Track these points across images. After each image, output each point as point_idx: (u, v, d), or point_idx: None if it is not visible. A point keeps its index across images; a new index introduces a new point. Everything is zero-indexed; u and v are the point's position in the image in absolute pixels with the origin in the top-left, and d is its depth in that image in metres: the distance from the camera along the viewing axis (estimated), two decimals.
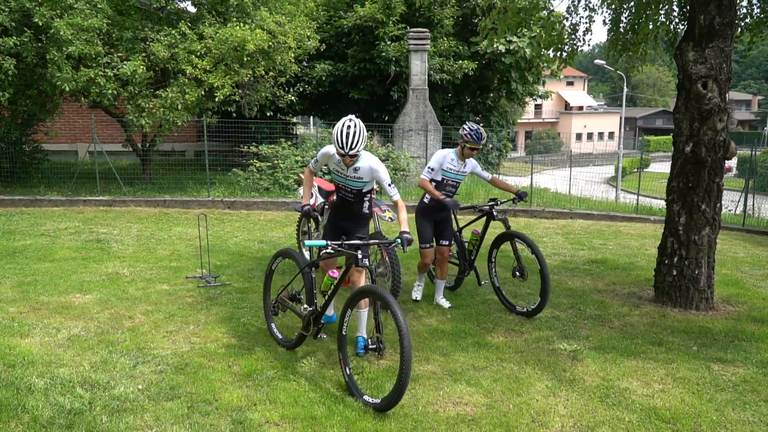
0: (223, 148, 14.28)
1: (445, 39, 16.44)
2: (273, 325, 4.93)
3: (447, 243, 5.89)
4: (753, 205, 13.14)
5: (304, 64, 14.71)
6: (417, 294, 6.12)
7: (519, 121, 37.96)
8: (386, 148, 13.28)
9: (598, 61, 38.68)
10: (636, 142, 61.59)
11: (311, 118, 17.66)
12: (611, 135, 63.12)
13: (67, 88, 10.50)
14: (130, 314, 5.42)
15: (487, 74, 18.06)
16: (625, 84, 34.34)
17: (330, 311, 4.99)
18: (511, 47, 16.53)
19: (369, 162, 4.47)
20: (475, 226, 6.24)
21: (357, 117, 4.28)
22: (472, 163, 5.80)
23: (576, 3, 6.41)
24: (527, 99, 21.26)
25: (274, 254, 4.95)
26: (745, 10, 6.20)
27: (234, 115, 13.29)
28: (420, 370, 4.39)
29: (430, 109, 14.05)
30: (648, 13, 6.18)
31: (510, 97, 19.63)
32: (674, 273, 5.86)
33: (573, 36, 6.64)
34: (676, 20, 6.32)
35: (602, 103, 75.99)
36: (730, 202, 12.84)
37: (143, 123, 10.92)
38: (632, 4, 6.46)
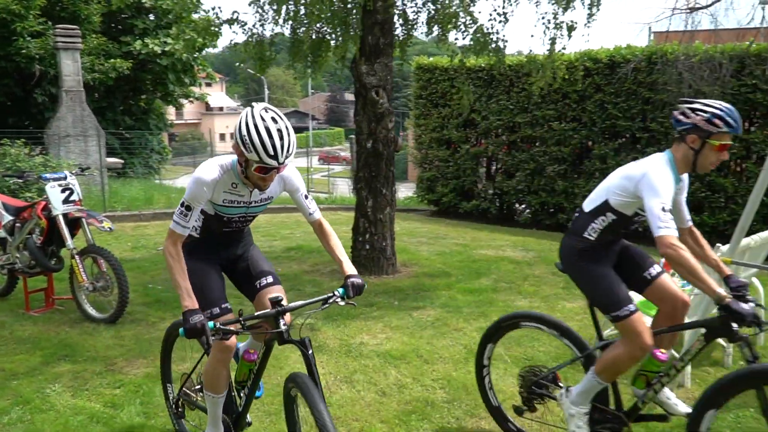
0: None
1: (94, 36, 15.31)
2: (183, 423, 3.55)
3: (658, 272, 3.12)
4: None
5: None
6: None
7: None
8: (42, 157, 11.83)
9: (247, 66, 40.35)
10: None
11: None
12: None
13: None
14: None
15: (141, 75, 17.47)
16: (266, 86, 36.82)
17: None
18: (167, 48, 16.35)
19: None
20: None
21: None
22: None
23: (263, 17, 7.10)
24: (183, 101, 21.22)
25: (167, 331, 3.56)
26: (396, 32, 7.76)
27: None
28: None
29: (89, 113, 13.01)
30: (327, 30, 7.25)
31: (167, 98, 19.34)
32: (367, 247, 7.10)
33: (261, 44, 7.33)
34: (349, 40, 7.51)
35: (239, 103, 79.14)
36: None
37: None
38: (307, 21, 7.43)
